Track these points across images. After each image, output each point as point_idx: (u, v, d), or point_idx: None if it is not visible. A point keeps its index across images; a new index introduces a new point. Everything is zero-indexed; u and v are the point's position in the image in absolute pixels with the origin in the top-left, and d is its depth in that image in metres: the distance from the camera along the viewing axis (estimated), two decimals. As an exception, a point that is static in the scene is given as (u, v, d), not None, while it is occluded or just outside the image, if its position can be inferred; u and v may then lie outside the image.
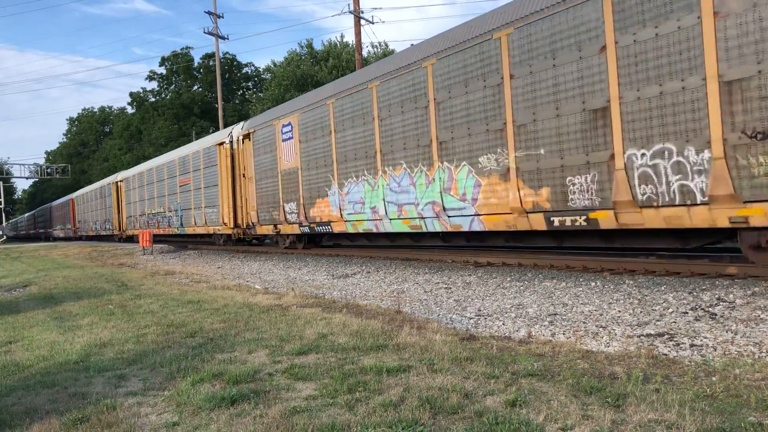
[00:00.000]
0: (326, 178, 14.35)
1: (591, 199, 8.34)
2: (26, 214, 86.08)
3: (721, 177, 6.79)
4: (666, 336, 5.27)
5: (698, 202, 7.07)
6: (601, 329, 5.72)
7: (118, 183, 35.26)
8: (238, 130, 19.70)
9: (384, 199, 12.31)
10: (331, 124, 14.05)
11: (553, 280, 8.63)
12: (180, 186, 24.36)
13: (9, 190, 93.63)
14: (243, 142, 18.87)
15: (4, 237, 63.67)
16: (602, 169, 8.16)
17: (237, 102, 63.16)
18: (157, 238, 32.76)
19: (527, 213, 9.27)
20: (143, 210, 30.05)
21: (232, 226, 19.71)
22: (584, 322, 6.07)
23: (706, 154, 6.94)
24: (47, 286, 12.83)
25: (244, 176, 18.78)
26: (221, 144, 20.37)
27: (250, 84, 66.67)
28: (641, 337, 5.29)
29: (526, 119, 9.17)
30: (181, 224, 24.33)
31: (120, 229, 34.98)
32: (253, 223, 18.37)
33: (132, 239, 34.48)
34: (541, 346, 5.04)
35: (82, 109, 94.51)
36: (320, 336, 5.77)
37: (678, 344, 4.99)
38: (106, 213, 38.10)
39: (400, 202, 11.95)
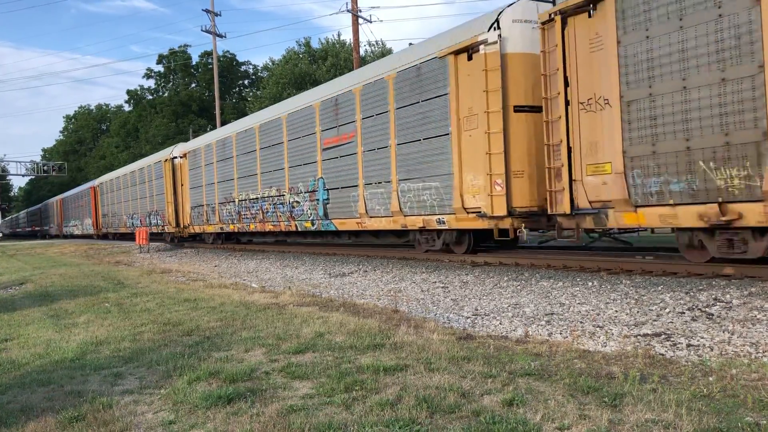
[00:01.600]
0: None
1: None
2: (29, 209, 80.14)
3: None
4: (663, 336, 5.28)
5: None
6: (598, 329, 5.72)
7: (175, 160, 24.70)
8: None
9: None
10: None
11: (550, 279, 8.64)
12: (325, 149, 14.44)
13: (5, 188, 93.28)
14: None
15: (1, 234, 63.27)
16: None
17: (235, 100, 63.09)
18: (258, 240, 22.47)
19: None
20: (228, 195, 20.01)
21: (529, 203, 9.95)
22: (581, 322, 6.07)
23: None
24: (43, 283, 12.79)
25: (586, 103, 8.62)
26: (469, 50, 10.44)
27: (246, 82, 66.59)
28: (638, 337, 5.29)
29: None
30: (325, 215, 14.54)
31: (178, 225, 24.72)
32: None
33: (198, 238, 25.10)
34: (538, 346, 5.04)
35: (79, 107, 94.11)
36: (317, 335, 5.76)
37: (675, 344, 4.99)
38: (153, 203, 27.57)
39: None
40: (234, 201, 19.60)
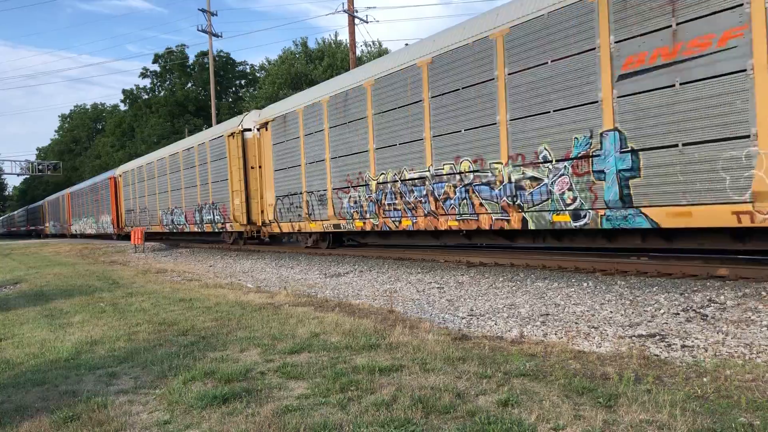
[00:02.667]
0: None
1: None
2: (29, 206, 75.16)
3: None
4: (657, 337, 5.29)
5: None
6: (593, 330, 5.73)
7: (247, 134, 18.34)
8: None
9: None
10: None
11: (546, 280, 8.65)
12: (625, 75, 8.14)
13: (0, 187, 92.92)
14: None
15: None
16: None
17: (231, 100, 63.04)
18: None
19: None
20: (354, 176, 13.46)
21: None
22: (576, 323, 6.09)
23: None
24: (38, 283, 12.75)
25: None
26: None
27: (242, 82, 66.53)
28: (633, 338, 5.31)
29: None
30: (622, 199, 8.27)
31: (250, 222, 18.36)
32: None
33: (273, 239, 19.50)
34: (533, 346, 5.05)
35: (75, 106, 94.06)
36: (312, 335, 5.76)
37: (669, 345, 5.01)
38: (207, 194, 20.98)
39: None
40: (367, 184, 13.02)
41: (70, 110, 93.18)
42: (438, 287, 9.06)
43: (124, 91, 69.29)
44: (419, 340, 5.29)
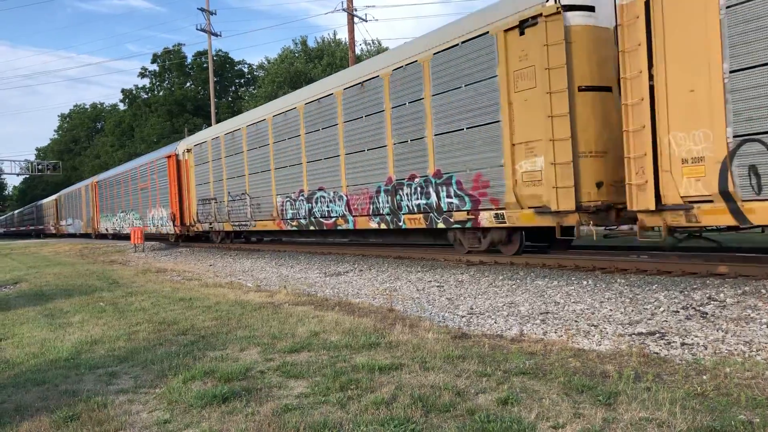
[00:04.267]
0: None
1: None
2: (37, 203, 66.23)
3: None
4: (657, 335, 5.29)
5: None
6: (592, 328, 5.73)
7: (570, 16, 8.42)
8: None
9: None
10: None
11: (545, 278, 8.65)
12: None
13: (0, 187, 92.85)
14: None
15: None
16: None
17: (230, 99, 63.02)
18: None
19: None
20: None
21: None
22: (576, 321, 6.09)
23: None
24: (38, 283, 12.75)
25: None
26: None
27: (241, 81, 66.49)
28: (633, 336, 5.31)
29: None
30: None
31: (582, 204, 8.59)
32: None
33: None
34: (533, 345, 5.05)
35: (74, 106, 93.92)
36: (312, 334, 5.76)
37: (669, 343, 5.01)
38: (413, 161, 11.45)
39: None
40: None
41: (70, 110, 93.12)
42: (438, 286, 9.06)
43: (123, 91, 69.25)
44: (419, 339, 5.29)
